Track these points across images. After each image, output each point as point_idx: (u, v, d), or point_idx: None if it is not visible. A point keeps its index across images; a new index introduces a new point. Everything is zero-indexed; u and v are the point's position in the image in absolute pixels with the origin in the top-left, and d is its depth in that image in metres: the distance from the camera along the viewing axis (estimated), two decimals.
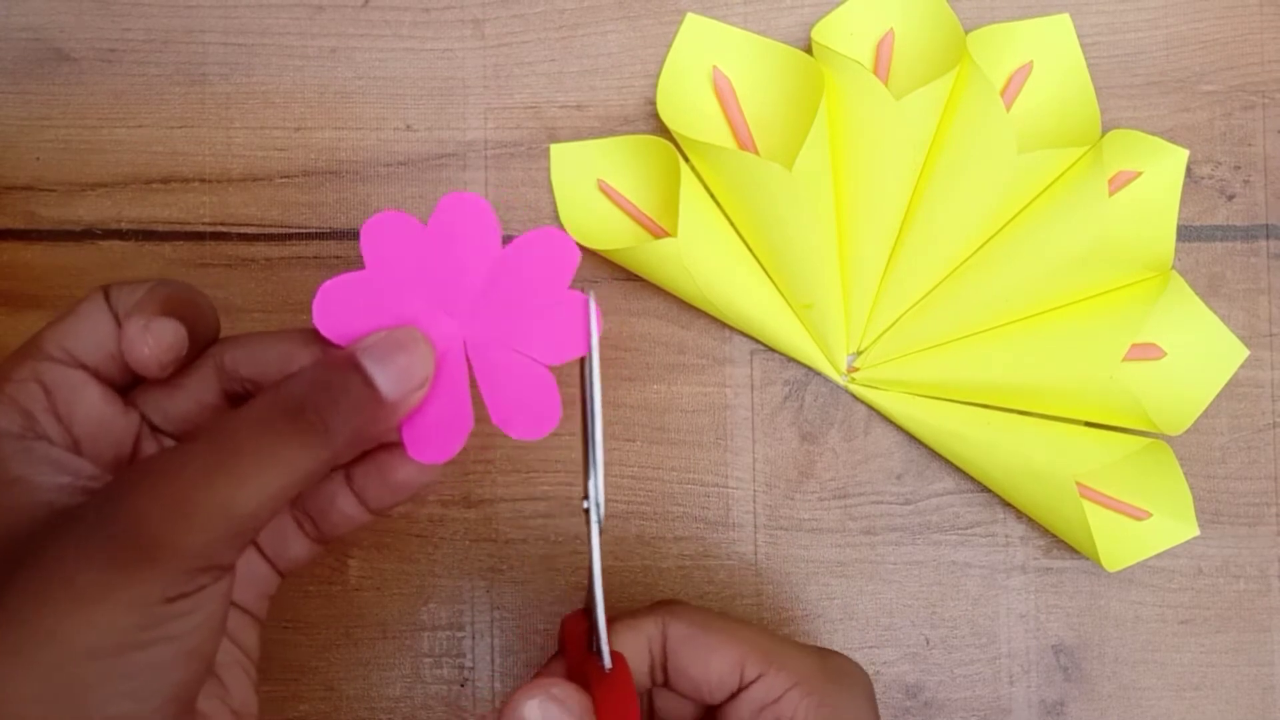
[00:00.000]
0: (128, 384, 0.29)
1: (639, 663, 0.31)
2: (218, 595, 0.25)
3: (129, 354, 0.27)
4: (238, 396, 0.29)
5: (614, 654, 0.30)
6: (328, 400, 0.26)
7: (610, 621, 0.31)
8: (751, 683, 0.31)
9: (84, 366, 0.28)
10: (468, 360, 0.29)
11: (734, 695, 0.31)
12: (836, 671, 0.32)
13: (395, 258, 0.28)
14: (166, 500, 0.24)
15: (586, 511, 0.30)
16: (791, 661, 0.32)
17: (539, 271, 0.28)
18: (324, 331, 0.28)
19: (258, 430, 0.25)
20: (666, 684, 0.32)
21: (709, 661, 0.31)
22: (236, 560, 0.26)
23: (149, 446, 0.29)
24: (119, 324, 0.28)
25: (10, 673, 0.23)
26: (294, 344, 0.28)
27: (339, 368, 0.27)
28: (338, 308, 0.28)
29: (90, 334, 0.28)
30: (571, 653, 0.32)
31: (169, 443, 0.29)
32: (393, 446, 0.29)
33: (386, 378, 0.27)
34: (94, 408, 0.28)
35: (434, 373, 0.28)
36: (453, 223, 0.28)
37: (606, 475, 0.40)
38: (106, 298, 0.28)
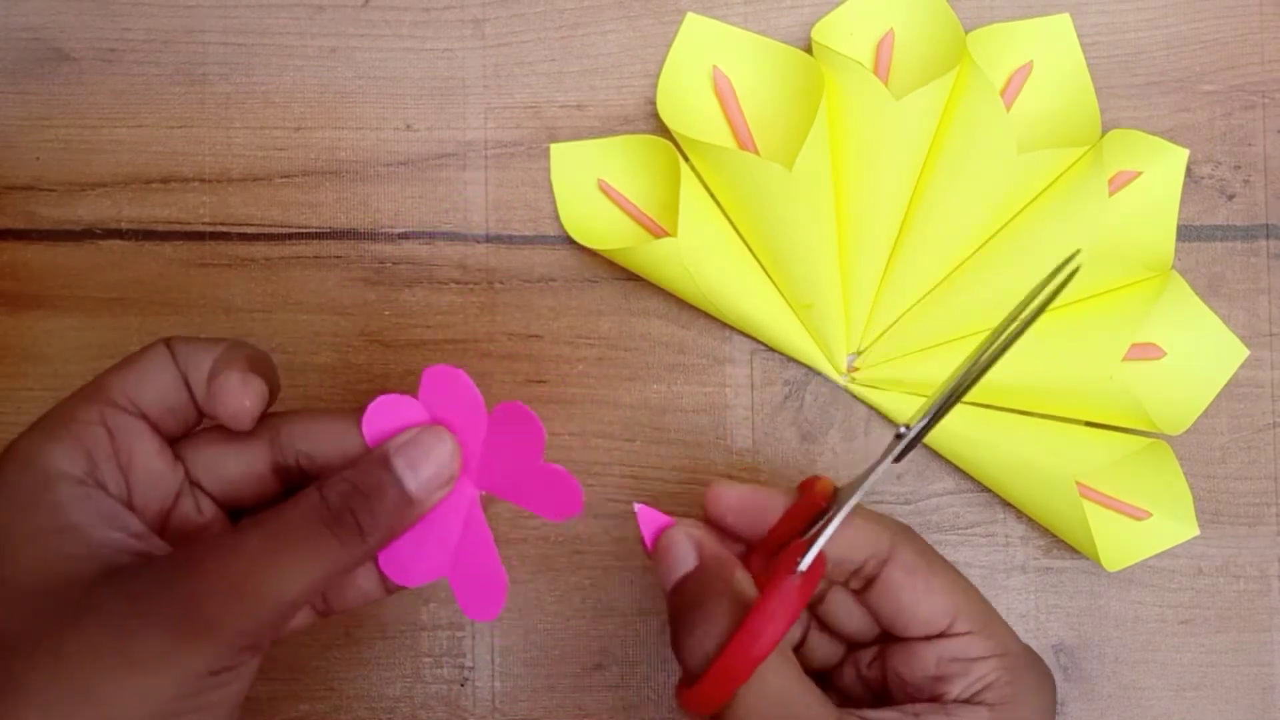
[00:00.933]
0: (177, 438, 0.31)
1: (857, 555, 0.32)
2: (250, 671, 0.28)
3: (225, 405, 0.29)
4: (284, 469, 0.31)
5: (814, 565, 0.29)
6: (363, 505, 0.28)
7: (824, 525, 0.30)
8: (957, 635, 0.31)
9: (145, 416, 0.29)
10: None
11: (929, 639, 0.32)
12: (1037, 666, 0.32)
13: (449, 410, 0.30)
14: (224, 582, 0.26)
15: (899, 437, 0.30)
16: (1003, 634, 0.32)
17: (516, 444, 0.30)
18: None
19: (303, 526, 0.28)
20: (862, 593, 0.33)
21: (927, 598, 0.32)
22: (272, 640, 0.28)
23: (187, 503, 0.30)
24: (184, 377, 0.30)
25: None
26: (346, 423, 0.30)
27: (374, 469, 0.29)
28: (387, 419, 0.30)
29: (153, 385, 0.30)
30: (767, 540, 0.32)
31: (206, 502, 0.31)
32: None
33: (415, 479, 0.29)
34: (150, 459, 0.29)
35: (458, 473, 0.30)
36: (438, 396, 0.30)
37: (607, 475, 0.40)
38: (171, 351, 0.30)
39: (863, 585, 0.32)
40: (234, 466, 0.30)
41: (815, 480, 0.32)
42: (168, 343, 0.30)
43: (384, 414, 0.30)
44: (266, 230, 0.40)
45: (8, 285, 0.40)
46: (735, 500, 0.32)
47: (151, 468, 0.29)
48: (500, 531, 0.40)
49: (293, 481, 0.31)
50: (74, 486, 0.28)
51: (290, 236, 0.40)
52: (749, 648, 0.28)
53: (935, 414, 0.29)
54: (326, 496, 0.28)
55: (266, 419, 0.30)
